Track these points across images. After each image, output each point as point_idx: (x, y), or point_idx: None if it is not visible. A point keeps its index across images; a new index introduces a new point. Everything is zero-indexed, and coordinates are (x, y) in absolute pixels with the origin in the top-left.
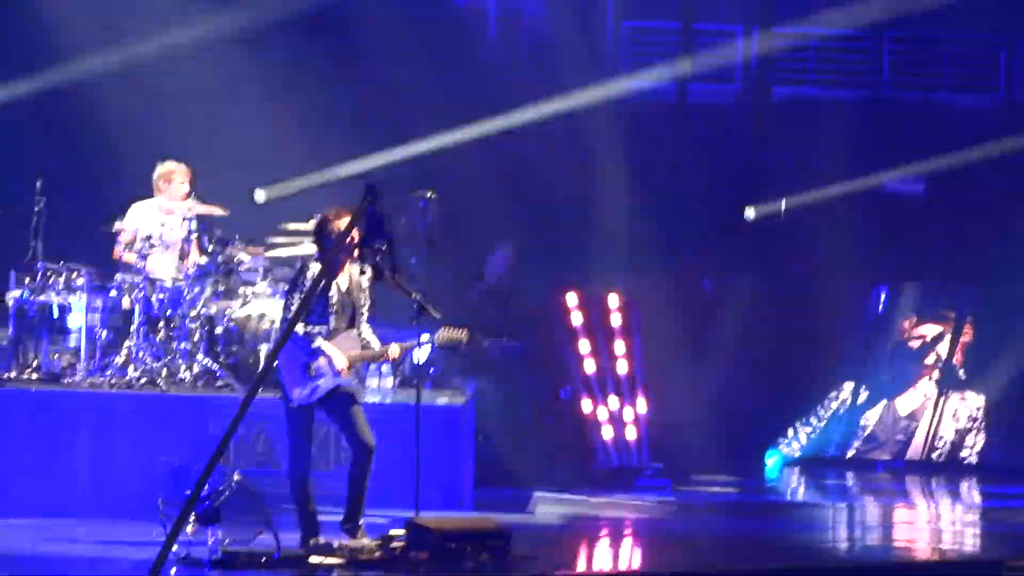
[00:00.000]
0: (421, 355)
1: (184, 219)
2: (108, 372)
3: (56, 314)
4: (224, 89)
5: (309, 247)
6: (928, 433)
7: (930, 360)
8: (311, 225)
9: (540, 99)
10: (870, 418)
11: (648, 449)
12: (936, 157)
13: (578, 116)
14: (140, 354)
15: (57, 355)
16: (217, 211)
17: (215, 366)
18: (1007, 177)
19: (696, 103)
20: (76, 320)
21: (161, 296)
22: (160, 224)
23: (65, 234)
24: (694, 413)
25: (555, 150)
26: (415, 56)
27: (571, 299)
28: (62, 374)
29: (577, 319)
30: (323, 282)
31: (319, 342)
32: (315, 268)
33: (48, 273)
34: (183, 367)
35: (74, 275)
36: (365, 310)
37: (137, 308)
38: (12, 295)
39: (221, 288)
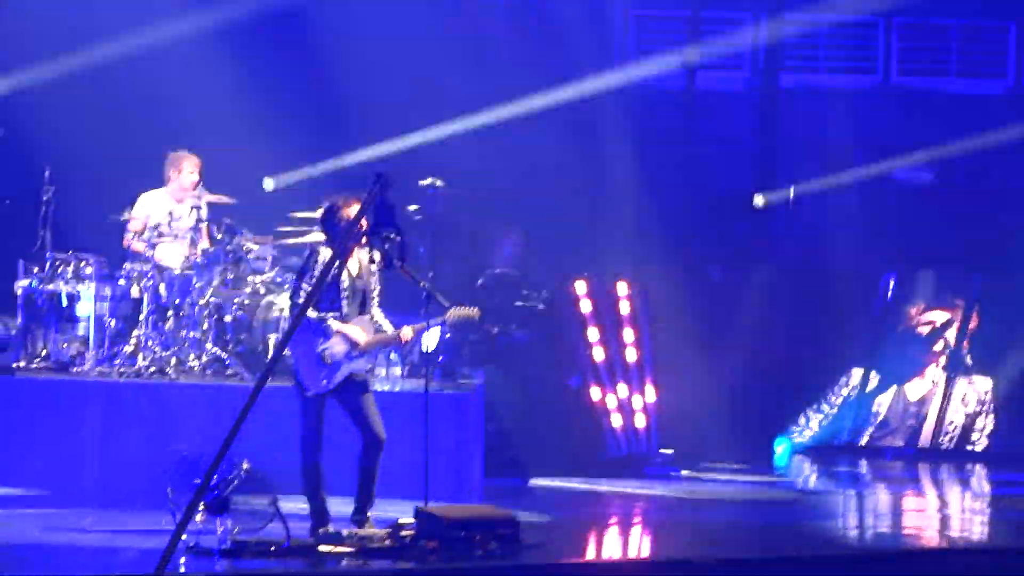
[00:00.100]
0: (430, 343)
1: (193, 208)
2: (117, 361)
3: (65, 303)
4: (233, 78)
5: (317, 235)
6: (939, 417)
7: (938, 347)
8: (320, 213)
9: (548, 87)
10: (881, 404)
11: (657, 437)
12: (945, 144)
13: (586, 104)
14: (149, 343)
15: (66, 344)
16: (225, 200)
17: (224, 355)
18: (1016, 163)
19: (705, 90)
20: (85, 309)
21: (170, 285)
22: (169, 213)
23: (74, 223)
24: (703, 401)
25: (563, 138)
26: (424, 43)
27: (580, 287)
28: (71, 363)
29: (586, 307)
30: (333, 269)
31: (335, 324)
32: (325, 254)
33: (57, 262)
34: (192, 356)
35: (83, 264)
36: (376, 295)
37: (146, 297)
38: (21, 284)
39: (230, 277)
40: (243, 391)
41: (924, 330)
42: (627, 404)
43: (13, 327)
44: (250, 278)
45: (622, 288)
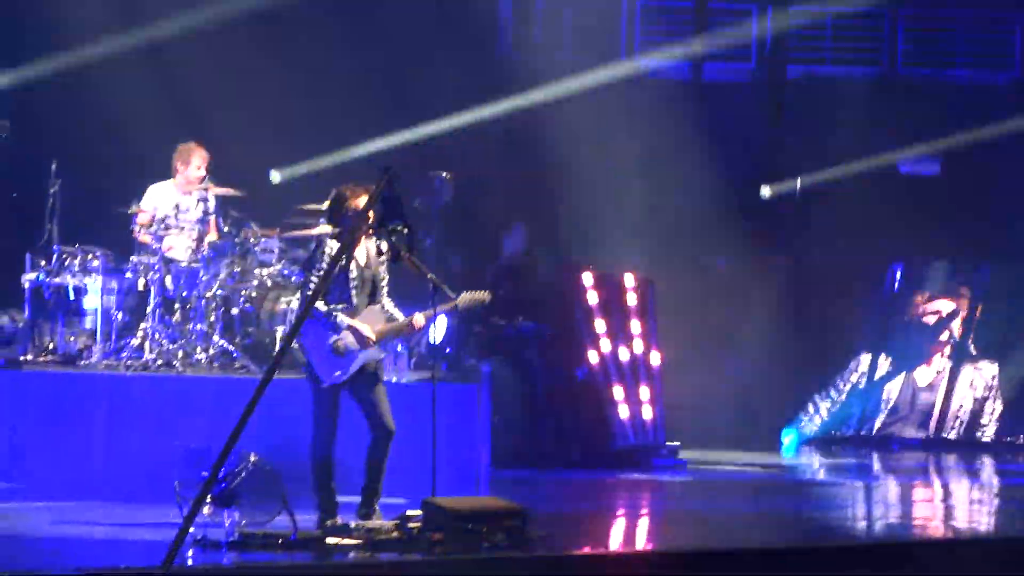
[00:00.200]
0: (438, 335)
1: (200, 200)
2: (124, 354)
3: (72, 296)
4: (240, 70)
5: (324, 228)
6: (948, 403)
7: (944, 336)
8: (326, 204)
9: (555, 78)
10: (891, 391)
11: (664, 428)
12: (951, 134)
13: (593, 95)
14: (156, 336)
15: (73, 337)
16: (232, 192)
17: (231, 347)
18: (1022, 154)
19: (711, 82)
20: (92, 302)
21: (177, 277)
22: (176, 205)
23: (80, 217)
24: (710, 392)
25: (570, 129)
26: (431, 36)
27: (587, 279)
28: (78, 356)
29: (593, 299)
30: (341, 260)
31: (342, 317)
32: (332, 247)
33: (64, 256)
34: (199, 349)
35: (90, 257)
36: (385, 284)
37: (153, 290)
38: (28, 278)
39: (237, 269)
40: (250, 384)
41: (930, 320)
42: (634, 395)
43: (20, 320)
44: (257, 271)
45: (629, 280)
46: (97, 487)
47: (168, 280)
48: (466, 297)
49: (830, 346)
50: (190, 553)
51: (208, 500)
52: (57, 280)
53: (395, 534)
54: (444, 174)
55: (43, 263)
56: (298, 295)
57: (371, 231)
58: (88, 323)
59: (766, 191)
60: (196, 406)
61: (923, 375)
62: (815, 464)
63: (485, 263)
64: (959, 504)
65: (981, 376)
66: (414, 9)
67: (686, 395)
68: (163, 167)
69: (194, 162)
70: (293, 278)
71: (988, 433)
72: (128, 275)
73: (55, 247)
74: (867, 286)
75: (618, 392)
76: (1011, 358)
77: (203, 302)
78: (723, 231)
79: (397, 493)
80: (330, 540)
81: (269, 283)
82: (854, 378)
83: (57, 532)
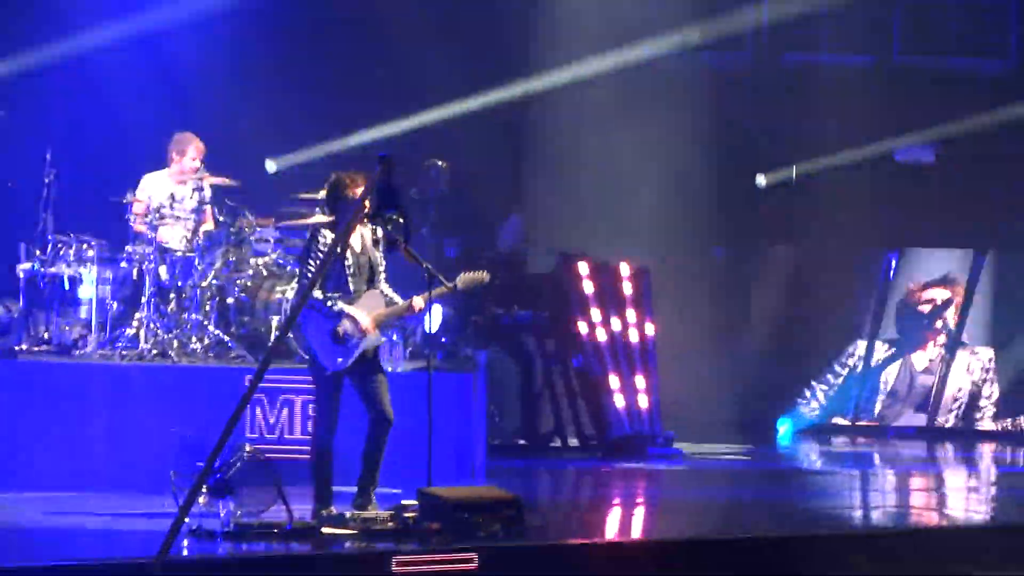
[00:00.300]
0: (434, 324)
1: (195, 190)
2: (119, 344)
3: (67, 286)
4: (235, 59)
5: (320, 217)
6: (945, 388)
7: (939, 324)
8: (323, 193)
9: (552, 66)
10: (888, 376)
11: (660, 417)
12: (947, 123)
13: (590, 84)
14: (151, 325)
15: (68, 327)
16: (227, 182)
17: (226, 337)
18: (1017, 143)
19: (708, 70)
20: (87, 292)
21: (172, 267)
22: (171, 195)
23: (75, 206)
24: (706, 381)
25: (567, 118)
26: (427, 24)
27: (583, 268)
28: (73, 346)
29: (589, 288)
30: (337, 248)
31: (339, 305)
32: (327, 236)
33: (59, 245)
34: (194, 338)
35: (85, 247)
36: (383, 269)
37: (148, 279)
38: (23, 267)
39: (232, 258)
40: (246, 373)
41: (925, 308)
42: (630, 384)
43: (15, 310)
44: (253, 260)
45: (625, 269)
46: (92, 477)
47: (163, 270)
48: (465, 277)
49: (826, 334)
50: (185, 543)
51: (204, 490)
52: (52, 270)
53: (391, 524)
54: (440, 163)
55: (38, 253)
56: (294, 284)
57: (367, 219)
58: (83, 313)
59: (762, 180)
60: (191, 396)
61: (920, 359)
62: (811, 452)
63: (481, 252)
64: (954, 493)
65: (978, 361)
66: None
67: (682, 384)
68: (159, 156)
69: (189, 152)
70: (288, 267)
71: (986, 419)
72: (123, 265)
73: (50, 236)
74: (863, 274)
75: (614, 381)
76: (1006, 346)
77: (198, 292)
78: (719, 220)
79: (393, 483)
80: (326, 530)
81: (265, 272)
82: (851, 362)
83: (51, 523)
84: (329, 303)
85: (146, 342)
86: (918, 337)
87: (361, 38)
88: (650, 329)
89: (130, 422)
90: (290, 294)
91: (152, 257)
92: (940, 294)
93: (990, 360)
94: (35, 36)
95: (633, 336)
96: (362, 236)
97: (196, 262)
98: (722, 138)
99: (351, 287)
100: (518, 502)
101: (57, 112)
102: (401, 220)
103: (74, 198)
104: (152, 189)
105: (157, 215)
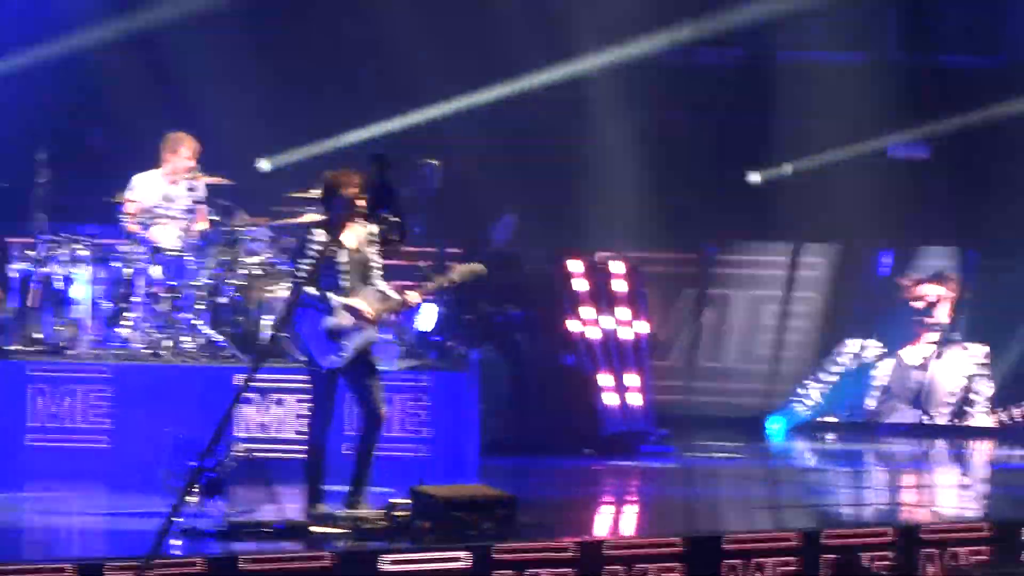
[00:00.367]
0: (427, 323)
1: (188, 189)
2: (112, 344)
3: (59, 286)
4: (229, 58)
5: (313, 216)
6: (938, 384)
7: (932, 320)
8: (317, 192)
9: (544, 64)
10: (881, 372)
11: (653, 415)
12: (941, 119)
13: (582, 81)
14: (144, 325)
15: (60, 327)
16: (221, 181)
17: (219, 337)
18: (1012, 139)
19: (699, 66)
20: (79, 292)
21: (165, 266)
22: (164, 195)
23: (68, 206)
24: (698, 379)
25: (559, 115)
26: (419, 22)
27: (575, 265)
28: (66, 346)
29: (581, 285)
30: (330, 246)
31: (336, 298)
32: (319, 235)
33: (51, 245)
34: (187, 338)
35: (77, 247)
36: (377, 267)
37: (141, 279)
38: (15, 267)
39: (225, 258)
40: (238, 373)
41: (918, 304)
42: (622, 382)
43: (8, 310)
44: (246, 259)
45: (617, 266)
46: (84, 477)
47: (156, 269)
48: (461, 269)
49: (819, 331)
50: (178, 542)
51: (195, 489)
52: (44, 270)
53: (383, 523)
54: (434, 162)
55: (31, 252)
56: (287, 283)
57: (361, 218)
58: (75, 313)
59: (755, 177)
60: (184, 395)
61: (913, 356)
62: (804, 450)
63: (475, 251)
64: (947, 489)
65: (970, 358)
66: None
67: (675, 382)
68: (152, 156)
69: (183, 152)
70: (282, 267)
71: (979, 416)
72: (116, 264)
73: (42, 236)
74: (857, 271)
75: (607, 379)
76: (1000, 343)
77: (191, 291)
78: (712, 216)
79: (385, 482)
80: (317, 529)
81: (258, 272)
82: (844, 360)
83: (43, 522)
84: (324, 297)
85: (138, 342)
86: (911, 334)
87: (355, 37)
88: (643, 327)
89: (123, 422)
90: (283, 293)
91: (145, 256)
92: (933, 290)
93: (985, 356)
94: (27, 35)
95: (626, 334)
96: (356, 235)
97: (189, 262)
98: (716, 135)
99: (344, 286)
100: (511, 501)
101: (50, 111)
102: (395, 219)
103: (67, 198)
104: (144, 189)
105: (150, 215)
